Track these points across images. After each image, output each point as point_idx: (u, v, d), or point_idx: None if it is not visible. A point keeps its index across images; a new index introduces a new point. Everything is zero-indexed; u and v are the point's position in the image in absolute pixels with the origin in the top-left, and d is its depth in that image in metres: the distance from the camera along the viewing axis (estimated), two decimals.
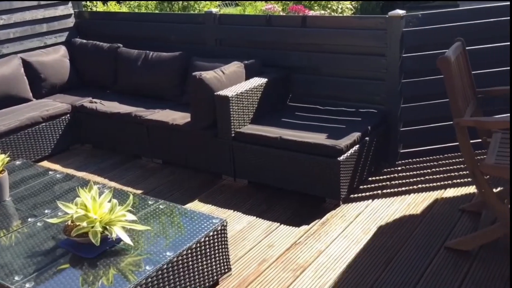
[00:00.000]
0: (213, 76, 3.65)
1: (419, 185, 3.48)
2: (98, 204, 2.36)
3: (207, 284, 2.50)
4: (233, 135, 3.60)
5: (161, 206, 2.70)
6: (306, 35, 3.98)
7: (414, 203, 3.26)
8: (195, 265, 2.41)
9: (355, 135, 3.35)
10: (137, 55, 4.58)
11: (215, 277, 2.56)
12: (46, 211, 2.73)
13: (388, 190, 3.46)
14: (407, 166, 3.77)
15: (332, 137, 3.32)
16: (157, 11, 6.78)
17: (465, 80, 2.81)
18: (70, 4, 5.21)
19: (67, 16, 5.21)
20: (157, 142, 4.07)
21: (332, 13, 7.07)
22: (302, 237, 2.98)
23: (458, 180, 3.48)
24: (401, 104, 3.72)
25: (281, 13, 4.16)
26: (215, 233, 2.49)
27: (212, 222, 2.52)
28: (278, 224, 3.13)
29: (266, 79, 3.84)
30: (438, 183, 3.47)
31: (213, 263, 2.52)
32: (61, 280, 2.15)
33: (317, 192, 3.37)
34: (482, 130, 2.91)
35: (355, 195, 3.41)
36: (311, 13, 4.14)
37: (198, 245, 2.40)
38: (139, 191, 3.61)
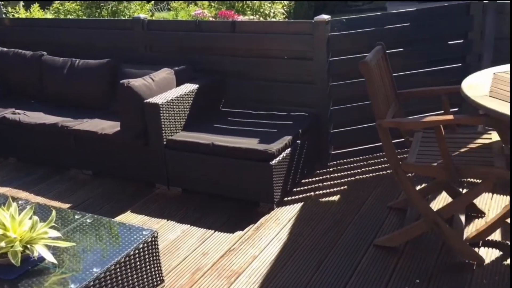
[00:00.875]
0: (142, 84, 3.57)
1: (350, 185, 3.58)
2: (18, 222, 2.24)
3: None
4: (164, 142, 3.54)
5: (88, 220, 2.60)
6: (236, 40, 4.00)
7: (345, 203, 3.34)
8: (125, 280, 2.34)
9: (287, 138, 3.40)
10: (63, 63, 4.41)
11: None
12: None
13: (321, 191, 3.53)
14: (339, 167, 3.86)
15: (264, 142, 3.35)
16: (85, 17, 6.57)
17: (387, 82, 2.91)
18: None
19: None
20: (86, 153, 3.93)
21: (267, 18, 7.15)
22: (236, 243, 2.97)
23: (386, 179, 3.61)
24: (331, 107, 3.81)
25: (211, 19, 4.13)
26: (145, 245, 2.43)
27: (141, 234, 2.45)
28: (213, 231, 3.11)
29: (197, 85, 3.81)
30: (368, 182, 3.58)
31: (145, 276, 2.46)
32: None
33: (251, 197, 3.39)
34: (405, 130, 3.03)
35: (289, 198, 3.45)
36: (240, 18, 4.15)
37: (127, 258, 2.33)
38: (67, 205, 3.47)
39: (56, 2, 7.53)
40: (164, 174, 3.64)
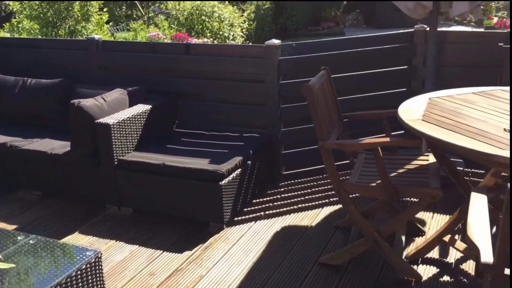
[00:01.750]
0: (93, 104, 3.58)
1: (299, 205, 3.66)
2: None
3: None
4: (116, 163, 3.54)
5: (31, 242, 2.57)
6: (191, 62, 4.07)
7: (294, 222, 3.42)
8: None
9: (237, 159, 3.46)
10: (14, 82, 4.36)
11: None
12: None
13: (271, 211, 3.59)
14: (290, 187, 3.94)
15: (215, 162, 3.40)
16: (40, 37, 6.51)
17: (331, 105, 3.03)
18: None
19: None
20: (36, 173, 3.87)
21: (226, 41, 7.27)
22: (184, 263, 2.99)
23: (334, 198, 3.70)
24: (282, 128, 3.91)
25: (167, 41, 4.20)
26: (88, 266, 2.41)
27: (85, 254, 2.44)
28: (161, 251, 3.12)
29: (150, 106, 3.84)
30: (316, 202, 3.67)
31: None
32: None
33: (201, 217, 3.42)
34: (349, 152, 3.14)
35: (239, 218, 3.50)
36: (195, 41, 4.23)
37: (69, 280, 2.31)
38: (13, 226, 3.41)
39: (14, 20, 7.45)
40: (115, 195, 3.63)
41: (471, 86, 3.11)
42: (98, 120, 3.50)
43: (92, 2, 6.67)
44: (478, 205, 1.84)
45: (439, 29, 3.87)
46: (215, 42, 7.27)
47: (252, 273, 2.87)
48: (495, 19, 12.74)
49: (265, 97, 3.85)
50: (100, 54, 4.31)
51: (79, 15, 6.52)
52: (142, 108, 3.80)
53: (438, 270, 2.81)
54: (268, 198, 3.78)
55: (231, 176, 3.36)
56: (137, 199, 3.59)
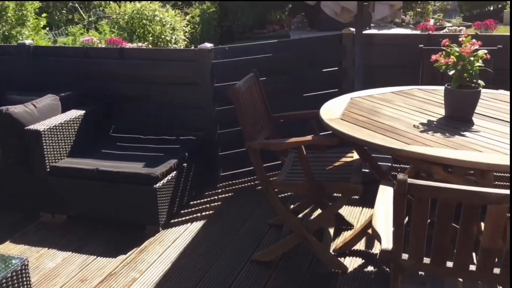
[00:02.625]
0: (23, 110, 3.52)
1: (236, 204, 3.73)
2: None
3: None
4: (48, 169, 3.49)
5: None
6: (125, 66, 4.07)
7: (229, 222, 3.49)
8: None
9: (172, 162, 3.49)
10: None
11: None
12: None
13: (207, 212, 3.65)
14: (227, 188, 4.02)
15: (149, 166, 3.42)
16: None
17: (259, 107, 3.12)
18: None
19: None
20: None
21: (168, 45, 7.26)
22: (118, 267, 2.99)
23: None
24: (218, 130, 3.98)
25: (100, 45, 4.18)
26: (14, 274, 2.39)
27: (11, 263, 2.41)
28: (95, 257, 3.11)
29: (83, 111, 3.81)
30: (253, 201, 3.76)
31: None
32: None
33: (137, 220, 3.43)
34: (279, 152, 3.25)
35: (176, 220, 3.54)
36: (129, 45, 4.24)
37: None
38: None
39: None
40: (48, 202, 3.58)
41: (396, 85, 3.29)
42: (28, 127, 3.45)
43: (27, 6, 6.50)
44: (383, 196, 1.97)
45: (377, 31, 4.06)
46: (158, 45, 7.26)
47: (186, 273, 2.91)
48: (432, 21, 13.33)
49: (200, 100, 3.90)
50: (31, 60, 4.23)
51: (13, 20, 6.34)
52: (75, 113, 3.76)
53: (363, 261, 2.95)
54: (205, 200, 3.83)
55: (166, 179, 3.39)
56: (71, 206, 3.55)
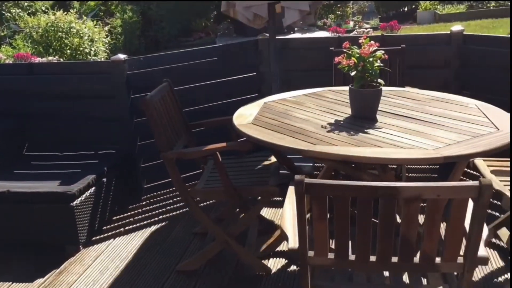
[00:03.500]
0: None
1: (161, 216, 3.69)
2: None
3: None
4: None
5: None
6: (36, 82, 3.91)
7: (154, 234, 3.44)
8: None
9: (90, 177, 3.39)
10: None
11: None
12: None
13: (131, 226, 3.57)
14: (152, 200, 3.96)
15: (65, 183, 3.30)
16: None
17: (174, 116, 3.11)
18: None
19: None
20: None
21: (87, 57, 7.05)
22: None
23: None
24: (138, 142, 3.91)
25: (8, 61, 4.00)
26: None
27: None
28: (10, 283, 2.95)
29: None
30: (177, 212, 3.73)
31: None
32: None
33: (56, 241, 3.29)
34: (200, 159, 3.25)
35: (97, 237, 3.44)
36: (38, 59, 4.08)
37: None
38: None
39: None
40: None
41: (313, 88, 3.39)
42: None
43: None
44: (291, 197, 2.02)
45: (300, 35, 4.16)
46: (77, 58, 7.03)
47: None
48: (351, 23, 13.88)
49: (117, 113, 3.82)
50: None
51: None
52: None
53: (286, 261, 3.01)
54: (128, 214, 3.76)
55: (84, 195, 3.29)
56: None
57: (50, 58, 4.47)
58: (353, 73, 2.64)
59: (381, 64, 2.69)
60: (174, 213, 3.72)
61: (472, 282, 1.76)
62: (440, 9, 14.28)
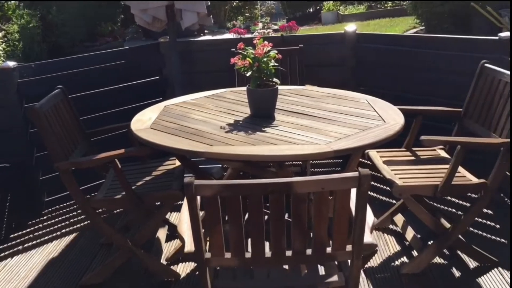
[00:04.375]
0: None
1: (64, 230, 3.52)
2: None
3: None
4: None
5: None
6: None
7: (57, 249, 3.27)
8: None
9: None
10: None
11: None
12: None
13: (31, 243, 3.37)
14: (54, 214, 3.76)
15: None
16: None
17: (70, 125, 2.97)
18: None
19: None
20: None
21: None
22: None
23: (102, 215, 3.65)
24: (35, 153, 3.69)
25: None
26: None
27: None
28: None
29: None
30: (82, 224, 3.57)
31: None
32: None
33: None
34: (100, 168, 3.13)
35: None
36: None
37: None
38: None
39: None
40: None
41: (217, 89, 3.39)
42: None
43: None
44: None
45: (211, 37, 4.12)
46: None
47: None
48: (260, 25, 14.12)
49: (8, 124, 3.59)
50: None
51: None
52: None
53: (196, 265, 2.99)
54: (28, 230, 3.54)
55: None
56: None
57: None
58: (248, 74, 2.68)
59: (276, 64, 2.75)
60: (79, 225, 3.56)
61: (361, 267, 1.85)
62: (342, 10, 14.96)
